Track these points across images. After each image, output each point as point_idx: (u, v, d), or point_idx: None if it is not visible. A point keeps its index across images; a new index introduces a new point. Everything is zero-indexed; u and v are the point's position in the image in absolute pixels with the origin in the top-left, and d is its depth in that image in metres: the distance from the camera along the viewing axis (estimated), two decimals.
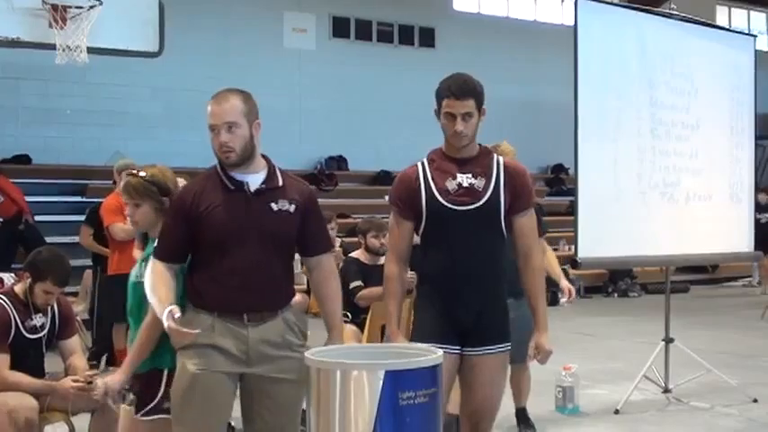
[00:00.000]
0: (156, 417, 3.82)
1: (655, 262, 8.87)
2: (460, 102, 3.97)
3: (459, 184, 4.00)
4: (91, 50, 8.72)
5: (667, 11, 7.83)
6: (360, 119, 17.69)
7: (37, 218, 11.96)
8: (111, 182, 9.16)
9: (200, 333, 3.55)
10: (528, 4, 20.61)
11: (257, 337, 3.63)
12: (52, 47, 8.51)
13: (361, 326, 6.84)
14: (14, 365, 4.97)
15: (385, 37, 18.83)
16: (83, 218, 9.27)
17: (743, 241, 8.30)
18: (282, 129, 17.08)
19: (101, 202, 8.49)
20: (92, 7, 8.59)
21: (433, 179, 4.03)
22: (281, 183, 3.75)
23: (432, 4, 19.14)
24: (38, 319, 5.20)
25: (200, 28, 15.99)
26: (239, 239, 3.62)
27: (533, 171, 20.06)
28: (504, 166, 4.09)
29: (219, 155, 3.68)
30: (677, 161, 7.59)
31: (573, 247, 7.16)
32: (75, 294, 10.23)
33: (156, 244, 3.82)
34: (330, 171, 17.79)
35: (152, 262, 3.72)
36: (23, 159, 14.37)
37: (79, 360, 5.32)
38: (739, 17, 23.26)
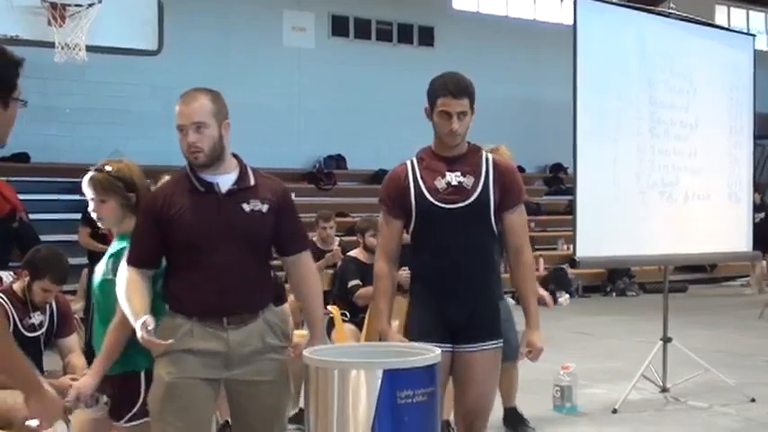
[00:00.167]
0: (140, 421, 3.75)
1: (653, 261, 8.87)
2: (457, 100, 3.95)
3: (448, 183, 3.99)
4: (90, 49, 8.72)
5: (666, 10, 7.83)
6: (359, 118, 17.69)
7: (36, 216, 11.94)
8: None
9: (178, 338, 3.51)
10: (527, 4, 20.62)
11: (237, 340, 3.56)
12: (51, 45, 8.51)
13: (359, 325, 6.85)
14: None
15: (384, 36, 18.84)
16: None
17: (741, 241, 8.30)
18: (281, 127, 17.10)
19: None
20: (91, 5, 8.60)
21: (422, 178, 4.03)
22: (252, 182, 3.67)
23: (431, 3, 19.14)
24: (36, 318, 5.20)
25: (199, 26, 16.00)
26: (212, 242, 3.55)
27: (532, 170, 20.09)
28: (494, 164, 4.08)
29: (188, 155, 3.61)
30: (676, 160, 7.59)
31: (571, 246, 7.15)
32: (73, 293, 10.22)
33: (124, 245, 3.75)
34: (329, 170, 17.80)
35: (125, 268, 3.63)
36: (22, 157, 14.36)
37: (78, 358, 5.32)
38: (738, 17, 23.27)
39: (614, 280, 16.31)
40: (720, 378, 7.46)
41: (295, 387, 6.13)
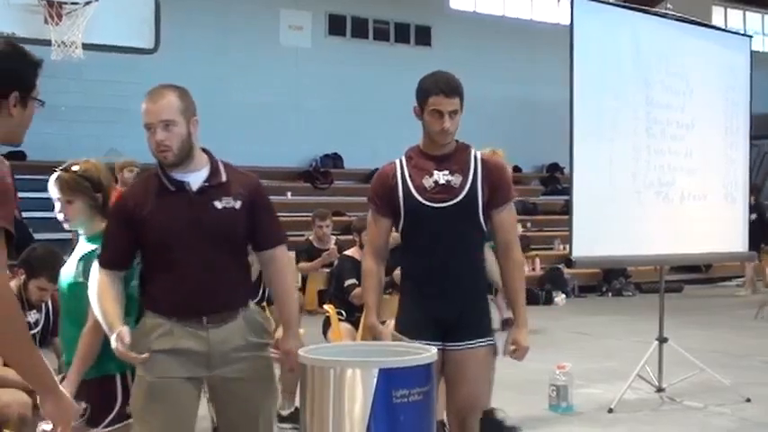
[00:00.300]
0: (118, 426, 3.71)
1: (649, 261, 8.88)
2: (449, 99, 3.96)
3: (436, 182, 4.00)
4: (86, 47, 8.73)
5: (663, 11, 7.84)
6: (355, 117, 17.70)
7: (32, 214, 11.94)
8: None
9: (158, 338, 3.49)
10: (524, 4, 20.64)
11: (218, 338, 3.52)
12: (48, 43, 8.53)
13: (355, 324, 6.85)
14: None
15: (381, 35, 18.85)
16: None
17: (737, 241, 8.31)
18: (278, 126, 17.11)
19: None
20: (87, 3, 8.62)
21: (410, 176, 4.03)
22: (224, 179, 3.60)
23: (428, 2, 19.16)
24: (32, 316, 5.19)
25: (196, 25, 15.99)
26: (185, 242, 3.49)
27: (528, 170, 20.12)
28: (483, 162, 4.08)
29: (156, 154, 3.53)
30: (672, 160, 7.60)
31: (568, 246, 7.16)
32: None
33: (94, 247, 3.71)
34: (325, 169, 17.81)
35: (96, 271, 3.59)
36: (19, 155, 14.33)
37: None
38: (735, 18, 23.30)
39: (610, 280, 16.32)
40: (716, 378, 7.47)
41: (291, 386, 6.17)
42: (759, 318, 12.38)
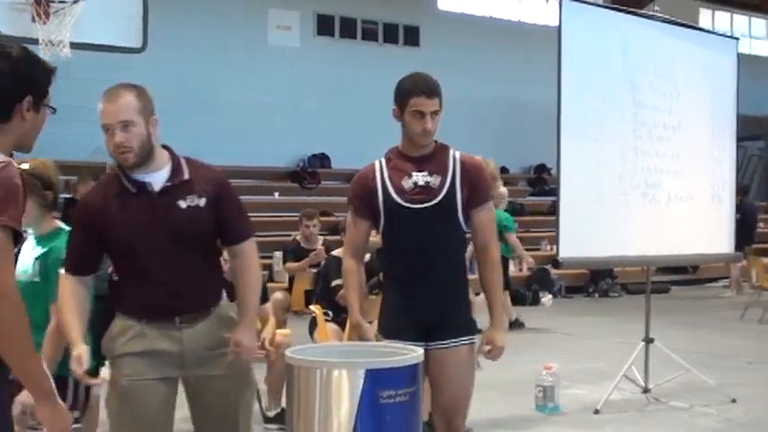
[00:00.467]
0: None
1: (636, 262, 8.90)
2: (430, 100, 3.98)
3: (415, 183, 4.01)
4: (74, 46, 8.70)
5: (651, 13, 7.87)
6: (343, 117, 17.68)
7: None
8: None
9: (129, 340, 3.47)
10: (512, 4, 20.67)
11: (191, 338, 3.49)
12: (35, 42, 8.49)
13: (342, 324, 6.84)
14: None
15: (369, 35, 18.86)
16: None
17: (724, 242, 8.34)
18: (266, 126, 17.09)
19: (72, 197, 8.46)
20: (75, 2, 8.58)
21: (390, 178, 4.05)
22: (187, 176, 3.50)
23: (417, 2, 19.17)
24: None
25: (184, 25, 15.95)
26: (151, 244, 3.43)
27: (516, 171, 20.15)
28: (461, 162, 4.09)
29: (116, 156, 3.42)
30: (659, 162, 7.62)
31: (555, 246, 7.17)
32: None
33: (49, 247, 3.66)
34: (313, 169, 17.80)
35: (61, 276, 3.53)
36: None
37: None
38: (722, 20, 23.42)
39: (597, 281, 16.35)
40: (701, 379, 7.50)
41: (277, 386, 6.17)
42: (744, 319, 12.43)
